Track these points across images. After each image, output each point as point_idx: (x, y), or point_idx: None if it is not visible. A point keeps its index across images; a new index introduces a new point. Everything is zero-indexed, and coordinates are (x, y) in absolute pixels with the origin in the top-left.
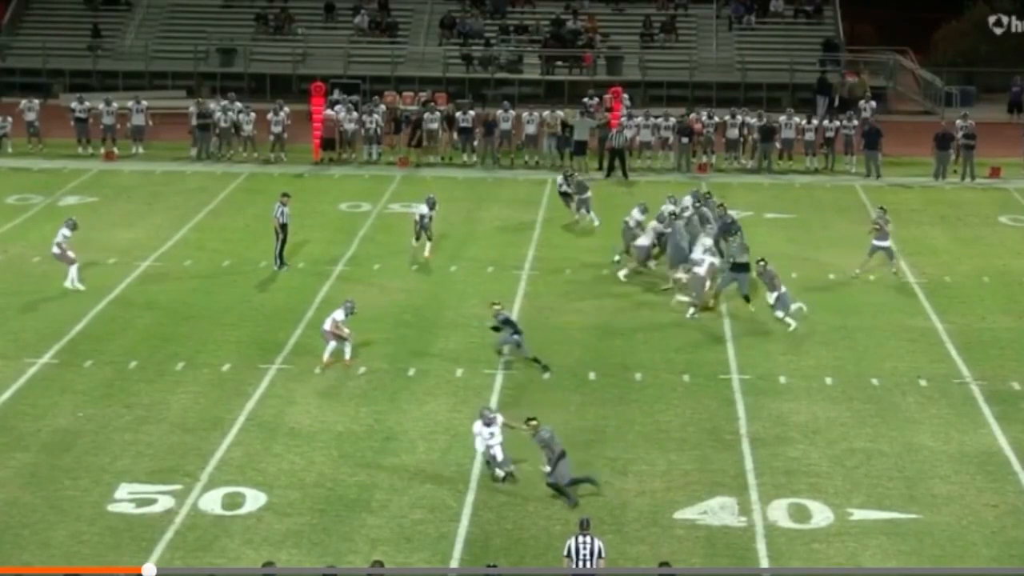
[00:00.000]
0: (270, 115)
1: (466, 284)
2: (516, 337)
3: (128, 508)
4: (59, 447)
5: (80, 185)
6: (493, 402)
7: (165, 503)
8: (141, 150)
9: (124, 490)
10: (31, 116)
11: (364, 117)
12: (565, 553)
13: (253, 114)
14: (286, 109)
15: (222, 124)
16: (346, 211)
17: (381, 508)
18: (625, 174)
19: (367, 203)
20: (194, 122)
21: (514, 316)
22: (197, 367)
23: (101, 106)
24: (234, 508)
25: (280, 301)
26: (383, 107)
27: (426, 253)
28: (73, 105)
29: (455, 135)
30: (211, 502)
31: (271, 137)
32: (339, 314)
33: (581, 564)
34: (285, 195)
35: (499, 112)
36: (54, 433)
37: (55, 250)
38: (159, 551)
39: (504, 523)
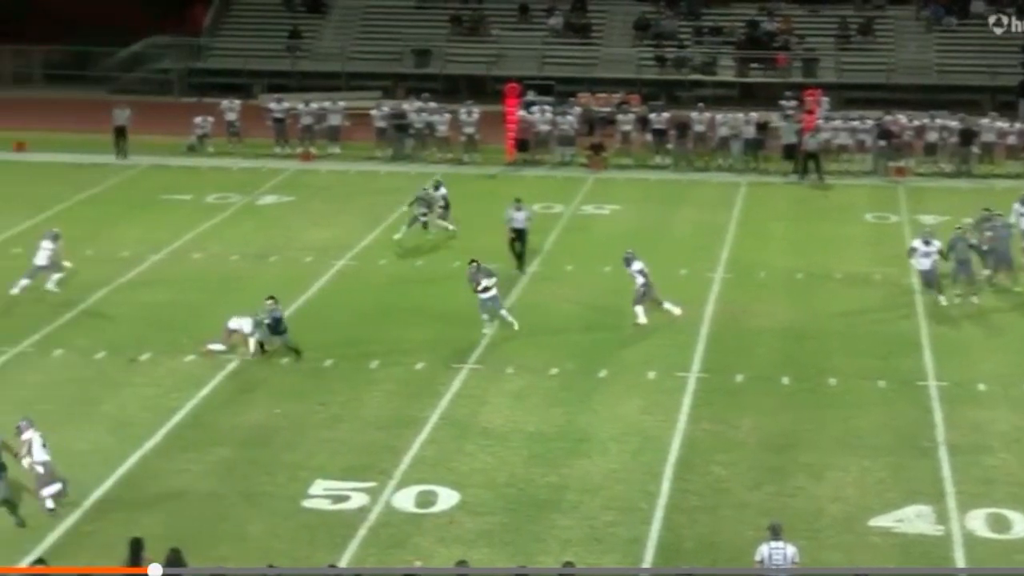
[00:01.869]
0: (462, 116)
1: (659, 286)
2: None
3: (323, 504)
4: (256, 443)
5: (278, 184)
6: (686, 404)
7: (359, 500)
8: (337, 150)
9: (319, 486)
10: (231, 116)
11: (557, 118)
12: (757, 559)
13: (447, 115)
14: (476, 110)
15: (416, 125)
16: (538, 212)
17: (572, 509)
18: (820, 177)
19: (560, 204)
20: (381, 123)
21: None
22: (391, 366)
23: (300, 106)
24: (427, 506)
25: (472, 301)
26: (577, 108)
27: (677, 312)
28: (271, 105)
29: (648, 136)
30: (404, 500)
31: (463, 138)
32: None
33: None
34: (518, 200)
35: (692, 114)
36: (251, 429)
37: (42, 262)
38: (353, 548)
39: (696, 527)
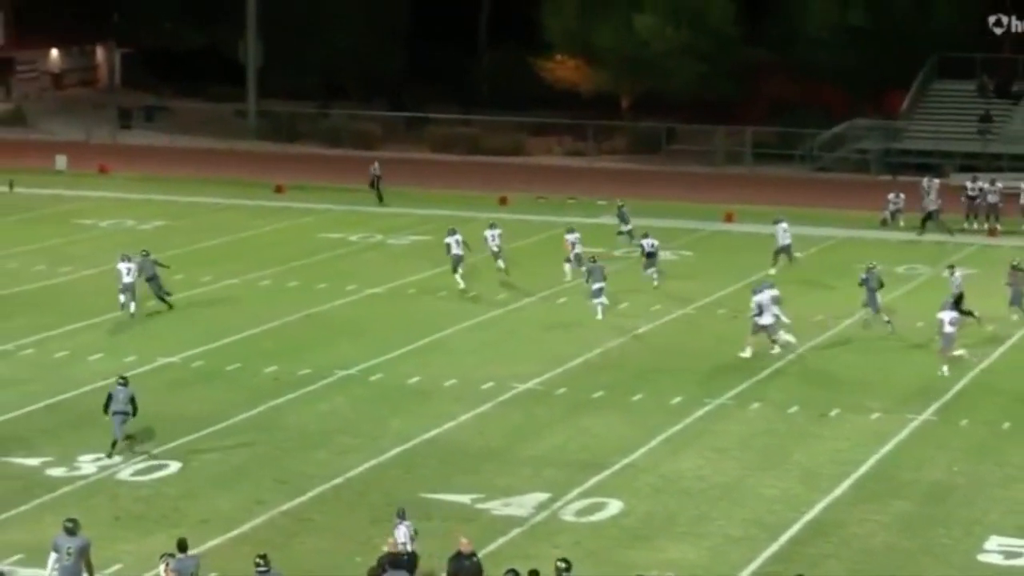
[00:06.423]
0: None
1: None
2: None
3: (996, 559)
4: (934, 498)
5: (965, 258)
6: None
7: None
8: None
9: (994, 542)
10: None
11: None
12: None
13: None
14: None
15: None
16: None
17: None
18: None
19: None
20: None
21: None
22: None
23: (986, 185)
24: None
25: None
26: None
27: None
28: (967, 184)
29: None
30: None
31: None
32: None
33: None
34: None
35: None
36: (930, 485)
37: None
38: None
39: None
